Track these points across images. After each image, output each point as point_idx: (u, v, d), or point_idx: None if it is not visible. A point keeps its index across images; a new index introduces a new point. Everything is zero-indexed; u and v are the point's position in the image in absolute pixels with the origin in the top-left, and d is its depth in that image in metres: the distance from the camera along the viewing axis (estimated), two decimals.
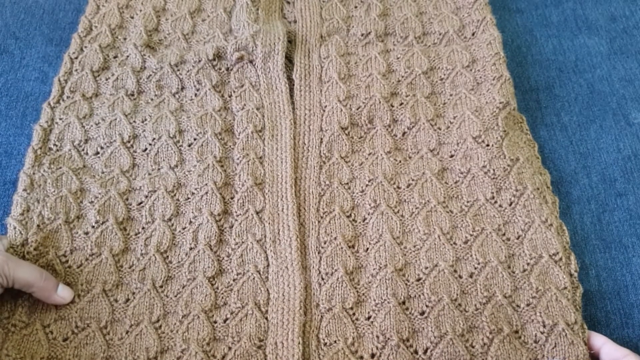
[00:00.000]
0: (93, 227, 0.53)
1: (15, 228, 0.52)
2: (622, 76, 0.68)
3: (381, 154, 0.58)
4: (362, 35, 0.68)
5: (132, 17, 0.70)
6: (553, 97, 0.66)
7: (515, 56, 0.70)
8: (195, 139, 0.59)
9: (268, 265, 0.51)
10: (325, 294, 0.50)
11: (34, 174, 0.55)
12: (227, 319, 0.49)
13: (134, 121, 0.60)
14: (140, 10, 0.71)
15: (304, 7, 0.71)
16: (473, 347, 0.47)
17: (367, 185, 0.57)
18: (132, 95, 0.63)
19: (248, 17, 0.68)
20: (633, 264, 0.54)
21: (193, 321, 0.48)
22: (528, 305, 0.49)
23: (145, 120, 0.60)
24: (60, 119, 0.60)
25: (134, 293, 0.50)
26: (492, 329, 0.48)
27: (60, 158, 0.57)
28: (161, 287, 0.50)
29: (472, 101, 0.61)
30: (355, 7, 0.72)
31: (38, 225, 0.52)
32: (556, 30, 0.73)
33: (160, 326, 0.48)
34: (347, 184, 0.57)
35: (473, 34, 0.68)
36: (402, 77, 0.64)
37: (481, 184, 0.56)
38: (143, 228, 0.53)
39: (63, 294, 0.48)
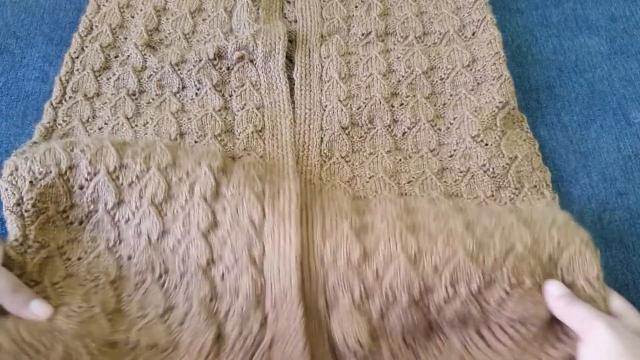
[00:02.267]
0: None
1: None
2: (623, 76, 0.68)
3: (381, 153, 0.59)
4: (362, 34, 0.68)
5: (133, 17, 0.70)
6: (553, 96, 0.66)
7: (515, 56, 0.70)
8: (195, 142, 0.59)
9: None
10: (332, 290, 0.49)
11: None
12: (223, 274, 0.47)
13: (136, 125, 0.60)
14: (141, 10, 0.71)
15: (305, 7, 0.72)
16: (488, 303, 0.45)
17: (367, 182, 0.57)
18: (134, 94, 0.63)
19: (249, 16, 0.68)
20: (633, 263, 0.54)
21: (192, 278, 0.47)
22: None
23: (147, 123, 0.60)
24: (64, 120, 0.60)
25: (134, 250, 0.49)
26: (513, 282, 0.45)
27: None
28: (157, 240, 0.48)
29: (472, 101, 0.61)
30: (356, 6, 0.72)
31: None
32: (556, 30, 0.73)
33: (164, 283, 0.48)
34: (348, 182, 0.57)
35: (473, 34, 0.68)
36: (403, 77, 0.64)
37: (480, 183, 0.56)
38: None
39: (36, 310, 0.43)
